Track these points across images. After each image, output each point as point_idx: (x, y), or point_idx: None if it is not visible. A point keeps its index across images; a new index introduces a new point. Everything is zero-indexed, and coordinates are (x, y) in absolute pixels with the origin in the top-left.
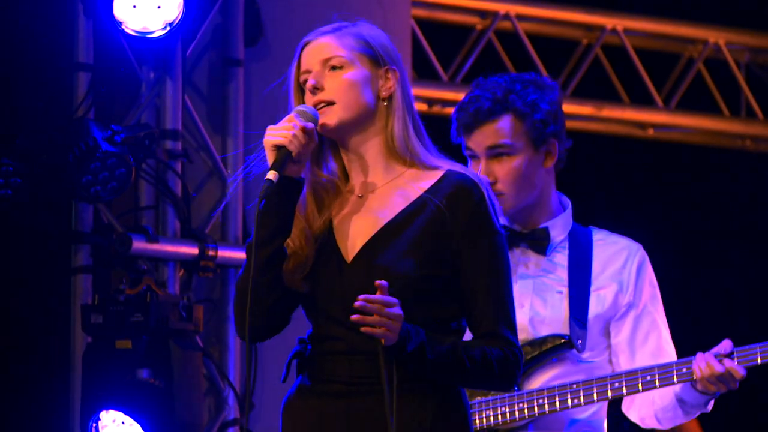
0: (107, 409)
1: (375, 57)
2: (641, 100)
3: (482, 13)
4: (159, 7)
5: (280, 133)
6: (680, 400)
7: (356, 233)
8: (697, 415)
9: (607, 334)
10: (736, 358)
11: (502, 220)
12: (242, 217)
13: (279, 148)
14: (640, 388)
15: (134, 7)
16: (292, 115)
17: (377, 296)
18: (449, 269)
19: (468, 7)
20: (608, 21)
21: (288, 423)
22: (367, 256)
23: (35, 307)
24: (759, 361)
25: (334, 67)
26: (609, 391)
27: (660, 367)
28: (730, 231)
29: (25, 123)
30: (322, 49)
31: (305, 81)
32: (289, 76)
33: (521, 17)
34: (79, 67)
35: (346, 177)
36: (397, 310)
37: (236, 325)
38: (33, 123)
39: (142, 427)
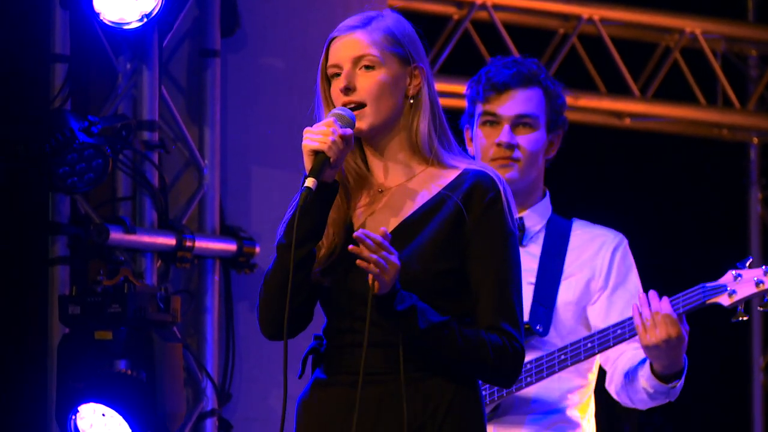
0: (86, 401)
1: (405, 55)
2: (618, 89)
3: (459, 3)
4: None
5: (319, 138)
6: (644, 387)
7: (374, 229)
8: (660, 401)
9: (584, 322)
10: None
11: None
12: (219, 208)
13: (317, 154)
14: (583, 356)
15: None
16: (330, 119)
17: (378, 236)
18: (465, 264)
19: None
20: (584, 11)
21: (303, 418)
22: None
23: (12, 298)
24: (681, 310)
25: (366, 67)
26: (557, 365)
27: (599, 331)
28: (706, 220)
29: (1, 114)
30: (353, 46)
31: (333, 74)
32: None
33: (498, 7)
34: (55, 58)
35: (367, 169)
36: (395, 259)
37: (261, 325)
38: (10, 114)
39: (124, 417)
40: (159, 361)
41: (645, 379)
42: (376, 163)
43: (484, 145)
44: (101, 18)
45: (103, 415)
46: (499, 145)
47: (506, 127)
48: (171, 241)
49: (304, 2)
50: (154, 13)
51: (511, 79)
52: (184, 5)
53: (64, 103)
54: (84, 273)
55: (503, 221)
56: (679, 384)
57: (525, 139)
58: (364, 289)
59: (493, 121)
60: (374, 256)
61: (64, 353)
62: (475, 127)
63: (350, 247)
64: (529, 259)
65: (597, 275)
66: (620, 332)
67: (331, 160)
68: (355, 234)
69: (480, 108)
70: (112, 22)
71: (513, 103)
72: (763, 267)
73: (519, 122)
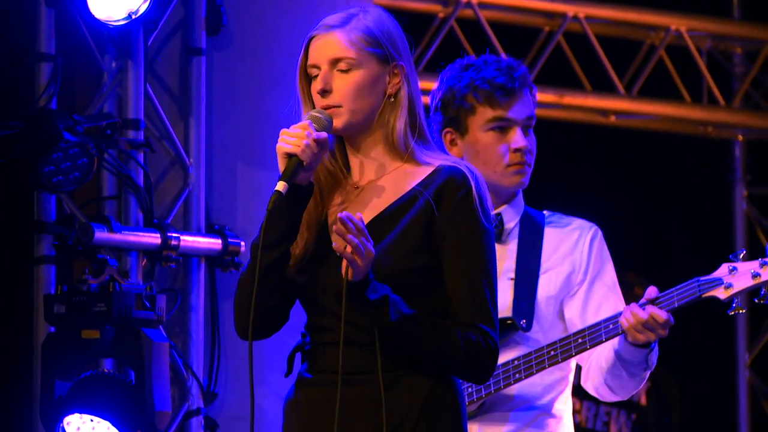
0: (72, 407)
1: (384, 54)
2: (603, 87)
3: (444, 1)
4: None
5: (293, 141)
6: (620, 358)
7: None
8: (641, 377)
9: (562, 315)
10: (659, 304)
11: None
12: (205, 206)
13: (291, 156)
14: (573, 352)
15: None
16: (305, 122)
17: (359, 222)
18: (438, 261)
19: None
20: (570, 8)
21: (289, 415)
22: None
23: None
24: (676, 304)
25: (342, 70)
26: (546, 361)
27: (589, 327)
28: (692, 217)
29: None
30: (330, 47)
31: (312, 73)
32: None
33: (483, 5)
34: (41, 57)
35: (347, 166)
36: (371, 247)
37: (236, 324)
38: None
39: (111, 421)
40: (146, 360)
41: (619, 349)
42: (354, 160)
43: (498, 151)
44: (89, 15)
45: (91, 420)
46: (517, 150)
47: (519, 131)
48: (156, 240)
49: (289, 1)
50: (141, 11)
51: (521, 81)
52: (169, 3)
53: (49, 102)
54: (69, 272)
55: (476, 217)
56: (654, 346)
57: (532, 141)
58: (339, 286)
59: (504, 126)
60: (355, 240)
61: (49, 352)
62: (475, 131)
63: (335, 227)
64: (508, 255)
65: (577, 269)
66: (612, 327)
67: (305, 163)
68: (339, 214)
69: (487, 113)
70: (100, 20)
71: (523, 107)
72: (760, 259)
73: (527, 125)
